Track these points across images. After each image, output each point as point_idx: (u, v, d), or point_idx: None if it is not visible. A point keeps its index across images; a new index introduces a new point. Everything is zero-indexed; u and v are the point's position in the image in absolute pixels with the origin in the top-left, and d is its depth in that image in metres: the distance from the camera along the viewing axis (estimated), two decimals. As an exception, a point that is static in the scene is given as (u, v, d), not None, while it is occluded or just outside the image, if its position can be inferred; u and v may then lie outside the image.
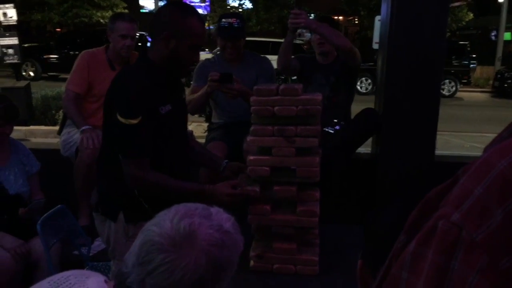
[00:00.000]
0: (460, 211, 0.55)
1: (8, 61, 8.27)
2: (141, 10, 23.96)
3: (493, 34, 24.40)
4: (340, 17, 27.09)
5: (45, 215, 2.30)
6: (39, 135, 7.50)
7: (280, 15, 21.18)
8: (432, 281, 0.56)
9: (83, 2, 19.83)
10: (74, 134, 3.17)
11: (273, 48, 12.57)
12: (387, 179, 2.98)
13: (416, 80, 2.84)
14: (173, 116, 1.91)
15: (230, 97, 2.65)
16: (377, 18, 10.27)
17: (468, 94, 16.11)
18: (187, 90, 2.86)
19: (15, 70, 10.36)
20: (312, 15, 16.92)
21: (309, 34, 3.41)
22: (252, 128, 1.96)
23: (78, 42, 14.82)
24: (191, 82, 3.14)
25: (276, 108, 1.89)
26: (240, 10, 22.33)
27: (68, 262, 2.59)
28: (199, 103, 2.86)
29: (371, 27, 16.62)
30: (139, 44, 11.76)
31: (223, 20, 2.96)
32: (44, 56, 15.40)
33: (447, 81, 15.06)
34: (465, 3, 22.24)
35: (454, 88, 15.47)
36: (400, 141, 2.93)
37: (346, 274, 1.68)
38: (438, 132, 2.97)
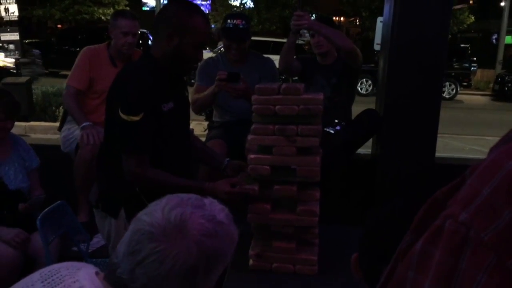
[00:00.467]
0: (468, 211, 0.55)
1: (9, 57, 8.27)
2: (143, 8, 23.97)
3: (494, 37, 24.42)
4: (342, 18, 27.11)
5: (45, 211, 2.30)
6: (39, 131, 7.51)
7: (281, 15, 21.17)
8: (439, 281, 0.56)
9: (84, -2, 19.86)
10: (74, 131, 3.17)
11: (275, 48, 12.57)
12: (387, 180, 2.98)
13: (417, 82, 2.84)
14: (175, 113, 1.91)
15: (234, 96, 2.65)
16: (379, 19, 10.28)
17: (469, 97, 16.13)
18: (190, 89, 2.87)
19: (16, 66, 10.37)
20: (313, 15, 16.92)
21: (308, 35, 3.41)
22: (253, 127, 1.96)
23: (79, 39, 14.82)
24: (192, 80, 3.14)
25: (277, 107, 1.89)
26: (242, 9, 22.32)
27: (67, 258, 2.58)
28: (206, 102, 2.86)
29: (372, 28, 16.62)
30: (140, 41, 11.76)
31: (229, 20, 2.94)
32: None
33: (447, 83, 15.08)
34: (466, 6, 22.25)
35: (454, 91, 15.50)
36: (400, 142, 2.93)
37: (345, 274, 1.68)
38: (438, 135, 2.97)
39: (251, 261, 2.00)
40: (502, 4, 20.18)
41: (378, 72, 3.44)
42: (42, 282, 0.99)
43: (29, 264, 2.47)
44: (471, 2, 24.21)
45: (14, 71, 9.12)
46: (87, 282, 0.98)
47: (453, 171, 0.64)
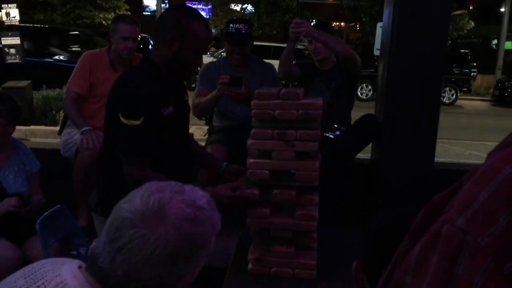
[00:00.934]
0: (465, 216, 0.56)
1: (10, 61, 8.28)
2: (144, 13, 24.01)
3: (494, 43, 24.45)
4: (342, 23, 27.13)
5: (44, 214, 2.31)
6: (40, 135, 7.51)
7: (282, 19, 21.19)
8: (436, 285, 0.56)
9: (85, 3, 19.85)
10: (74, 135, 3.18)
11: (275, 53, 12.59)
12: (386, 185, 2.98)
13: (416, 87, 2.85)
14: (175, 118, 1.92)
15: (235, 101, 2.65)
16: (379, 24, 10.31)
17: (468, 102, 16.15)
18: (190, 93, 2.87)
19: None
20: (313, 21, 16.95)
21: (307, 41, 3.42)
22: (252, 131, 1.97)
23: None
24: (193, 85, 3.15)
25: (276, 111, 1.90)
26: (242, 13, 22.34)
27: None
28: (208, 106, 2.87)
29: (372, 33, 16.64)
30: (141, 46, 11.78)
31: (231, 25, 2.96)
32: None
33: (447, 89, 15.10)
34: (466, 11, 22.29)
35: (454, 96, 15.52)
36: (400, 147, 2.94)
37: (344, 279, 1.68)
38: (437, 140, 2.98)
39: (250, 265, 2.01)
40: (502, 9, 20.23)
41: (378, 77, 3.45)
42: (25, 278, 0.99)
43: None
44: (471, 7, 24.25)
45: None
46: (69, 276, 0.97)
47: (452, 176, 0.64)
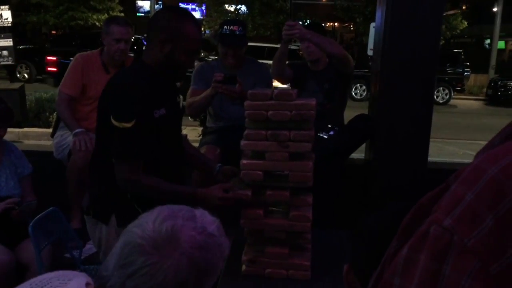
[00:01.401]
0: (452, 216, 0.55)
1: (2, 63, 8.25)
2: (138, 14, 23.96)
3: (487, 42, 24.58)
4: (336, 24, 27.19)
5: (37, 217, 2.29)
6: (33, 137, 7.47)
7: (276, 20, 21.21)
8: (425, 286, 0.56)
9: (79, 4, 19.79)
10: (67, 137, 3.17)
11: (269, 53, 12.59)
12: (380, 185, 2.99)
13: (409, 87, 2.86)
14: (166, 120, 1.91)
15: (230, 99, 2.65)
16: (372, 25, 10.31)
17: (462, 102, 16.22)
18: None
19: (10, 72, 10.35)
20: (307, 21, 16.94)
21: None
22: (245, 132, 1.96)
23: (73, 45, 14.80)
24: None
25: (270, 112, 1.89)
26: (236, 14, 22.33)
27: (60, 265, 2.57)
28: (202, 105, 2.86)
29: (366, 33, 16.68)
30: (135, 47, 11.76)
31: (225, 27, 2.94)
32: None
33: (441, 88, 15.16)
34: (459, 11, 22.39)
35: (448, 96, 15.58)
36: (393, 147, 2.94)
37: (338, 279, 1.68)
38: (431, 139, 2.98)
39: (244, 267, 2.00)
40: (495, 9, 20.33)
41: (371, 77, 3.45)
42: None
43: (21, 271, 2.46)
44: (464, 7, 24.36)
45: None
46: None
47: (446, 175, 0.64)
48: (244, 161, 1.95)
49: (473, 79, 18.86)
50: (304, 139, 1.91)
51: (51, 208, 2.40)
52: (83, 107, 3.20)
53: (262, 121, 1.91)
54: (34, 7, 20.04)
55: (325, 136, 3.00)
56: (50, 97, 7.97)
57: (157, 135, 1.88)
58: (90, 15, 19.92)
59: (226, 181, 2.08)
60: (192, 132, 6.00)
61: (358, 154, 3.51)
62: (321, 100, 3.06)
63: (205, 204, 1.95)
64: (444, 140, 8.48)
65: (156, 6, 19.06)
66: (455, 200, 0.57)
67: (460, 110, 14.59)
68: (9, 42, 8.24)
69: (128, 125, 1.77)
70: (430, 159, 3.10)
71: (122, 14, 18.45)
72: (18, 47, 10.63)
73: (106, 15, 19.04)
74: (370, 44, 10.60)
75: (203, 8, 24.20)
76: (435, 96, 12.32)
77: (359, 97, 14.82)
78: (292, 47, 12.11)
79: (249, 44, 3.23)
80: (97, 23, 19.51)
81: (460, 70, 16.16)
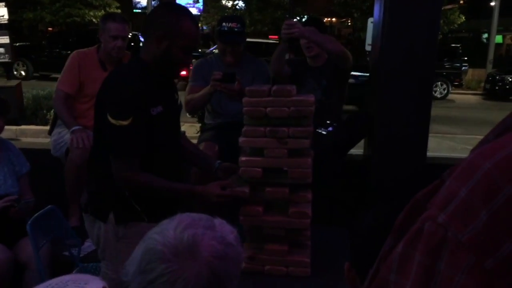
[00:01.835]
0: (446, 212, 0.56)
1: (-1, 60, 8.22)
2: (134, 10, 23.87)
3: (484, 37, 24.59)
4: (333, 19, 27.14)
5: (35, 215, 2.28)
6: (30, 134, 7.45)
7: (273, 16, 21.18)
8: (420, 282, 0.56)
9: (75, 1, 19.70)
10: (64, 135, 3.15)
11: (267, 49, 12.57)
12: (379, 180, 2.99)
13: (407, 82, 2.85)
14: (164, 117, 1.90)
15: (229, 97, 2.64)
16: (370, 20, 10.30)
17: (460, 97, 16.23)
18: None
19: (6, 69, 10.31)
20: (305, 17, 16.94)
21: None
22: (244, 129, 1.96)
23: (70, 42, 14.76)
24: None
25: (268, 109, 1.89)
26: (233, 10, 22.30)
27: (58, 263, 2.57)
28: (201, 102, 2.86)
29: (364, 29, 16.67)
30: (132, 44, 11.72)
31: (224, 24, 2.93)
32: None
33: (439, 83, 15.17)
34: (457, 6, 22.38)
35: (446, 91, 15.59)
36: (392, 142, 2.94)
37: (338, 276, 1.68)
38: (429, 134, 2.98)
39: (243, 264, 2.00)
40: (492, 3, 20.31)
41: (370, 73, 3.44)
42: None
43: (20, 270, 2.45)
44: (461, 2, 24.35)
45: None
46: None
47: (445, 171, 0.64)
48: (243, 158, 1.94)
49: (471, 74, 18.88)
50: (303, 135, 1.90)
51: (49, 206, 2.39)
52: (80, 104, 3.18)
53: (261, 117, 1.91)
54: (31, 4, 19.96)
55: (324, 132, 3.00)
56: (47, 94, 7.95)
57: (155, 132, 1.87)
58: (86, 11, 19.85)
59: (226, 178, 2.07)
60: (190, 129, 5.98)
61: (357, 150, 3.51)
62: (319, 97, 3.05)
63: (203, 201, 1.95)
64: (443, 135, 8.48)
65: (153, 2, 18.97)
66: (449, 196, 0.57)
67: (458, 105, 14.60)
68: (5, 40, 8.19)
69: (125, 123, 1.76)
70: (428, 154, 3.10)
71: (119, 11, 18.40)
72: (14, 44, 10.58)
73: (102, 12, 18.98)
74: (369, 40, 10.59)
75: (200, 3, 24.16)
76: (433, 91, 12.34)
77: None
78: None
79: (247, 39, 3.22)
80: (93, 20, 19.45)
81: (458, 64, 16.18)
